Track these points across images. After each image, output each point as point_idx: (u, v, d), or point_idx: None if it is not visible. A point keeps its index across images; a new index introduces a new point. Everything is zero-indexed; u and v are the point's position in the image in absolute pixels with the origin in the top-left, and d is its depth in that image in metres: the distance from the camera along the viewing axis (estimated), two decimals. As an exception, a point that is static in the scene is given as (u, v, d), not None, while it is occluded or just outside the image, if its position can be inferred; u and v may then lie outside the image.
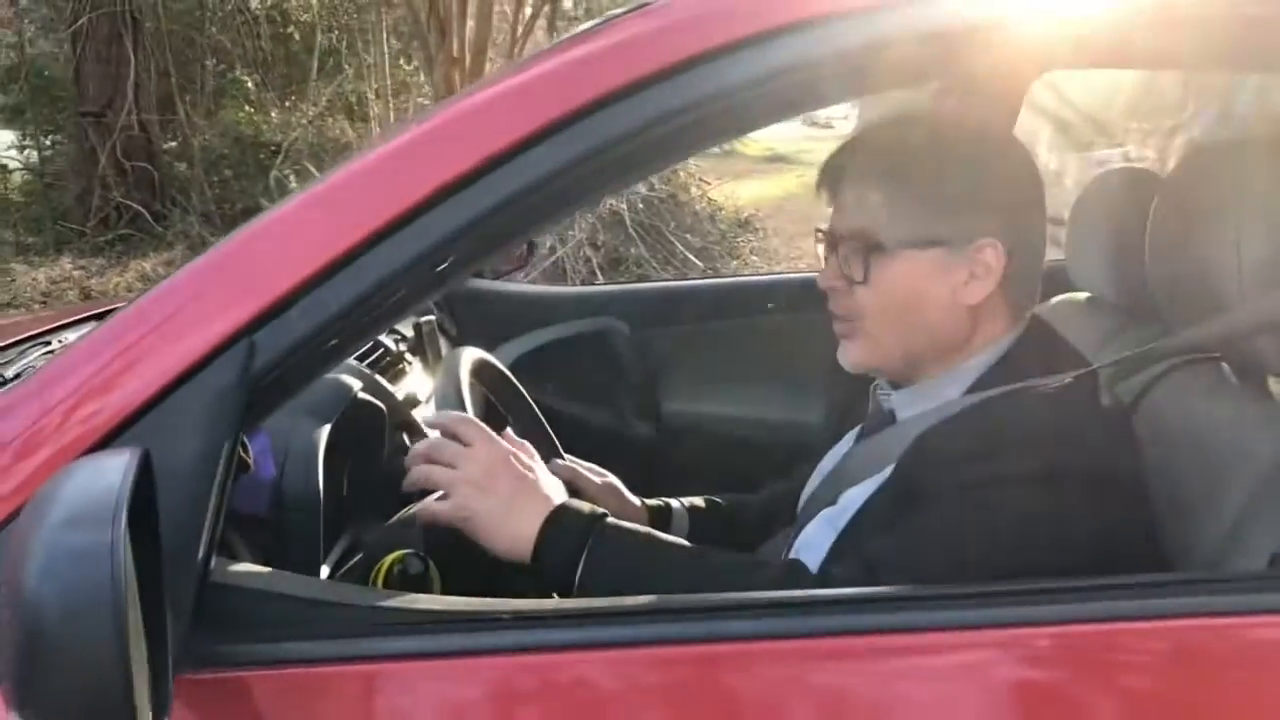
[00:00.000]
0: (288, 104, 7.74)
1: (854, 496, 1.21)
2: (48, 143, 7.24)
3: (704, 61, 0.89)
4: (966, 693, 0.87)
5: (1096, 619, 0.87)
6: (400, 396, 1.53)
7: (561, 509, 1.11)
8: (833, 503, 1.24)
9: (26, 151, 7.32)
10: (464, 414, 1.15)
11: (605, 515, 1.13)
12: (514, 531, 1.09)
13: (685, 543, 1.18)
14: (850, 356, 1.20)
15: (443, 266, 0.89)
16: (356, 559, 1.26)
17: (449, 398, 1.17)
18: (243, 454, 1.06)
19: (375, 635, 0.86)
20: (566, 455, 1.45)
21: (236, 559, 1.07)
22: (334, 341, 0.90)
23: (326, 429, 1.20)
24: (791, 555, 1.24)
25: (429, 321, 1.76)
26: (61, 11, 6.74)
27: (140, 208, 7.14)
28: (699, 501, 1.51)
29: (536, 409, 1.44)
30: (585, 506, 1.13)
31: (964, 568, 1.01)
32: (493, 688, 0.86)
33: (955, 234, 1.15)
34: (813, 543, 1.21)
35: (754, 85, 0.90)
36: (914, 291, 1.16)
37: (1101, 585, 0.90)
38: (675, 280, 2.49)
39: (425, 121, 0.92)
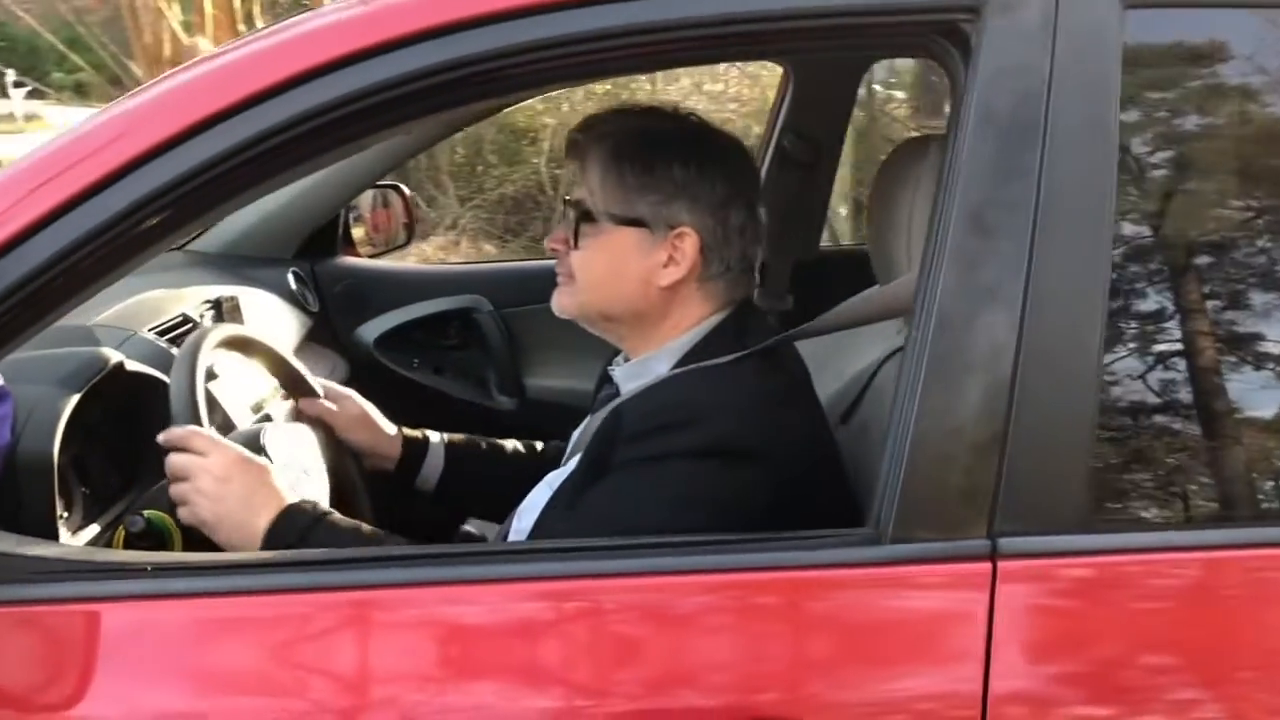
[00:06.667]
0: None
1: (572, 464, 1.30)
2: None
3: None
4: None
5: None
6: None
7: (288, 509, 1.20)
8: (562, 468, 1.33)
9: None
10: (192, 427, 1.23)
11: (328, 514, 1.23)
12: (246, 531, 1.18)
13: (394, 537, 1.25)
14: (557, 302, 1.32)
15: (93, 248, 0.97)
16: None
17: (180, 389, 1.25)
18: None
19: (26, 582, 0.95)
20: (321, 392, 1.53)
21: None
22: (19, 309, 0.98)
23: (74, 399, 1.27)
24: (517, 513, 1.33)
25: (231, 298, 1.84)
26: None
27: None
28: (461, 439, 1.60)
29: (291, 360, 1.52)
30: (312, 506, 1.23)
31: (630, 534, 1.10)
32: (132, 629, 0.95)
33: (656, 219, 1.24)
34: (533, 504, 1.31)
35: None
36: (611, 263, 1.26)
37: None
38: (537, 260, 2.56)
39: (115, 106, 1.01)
